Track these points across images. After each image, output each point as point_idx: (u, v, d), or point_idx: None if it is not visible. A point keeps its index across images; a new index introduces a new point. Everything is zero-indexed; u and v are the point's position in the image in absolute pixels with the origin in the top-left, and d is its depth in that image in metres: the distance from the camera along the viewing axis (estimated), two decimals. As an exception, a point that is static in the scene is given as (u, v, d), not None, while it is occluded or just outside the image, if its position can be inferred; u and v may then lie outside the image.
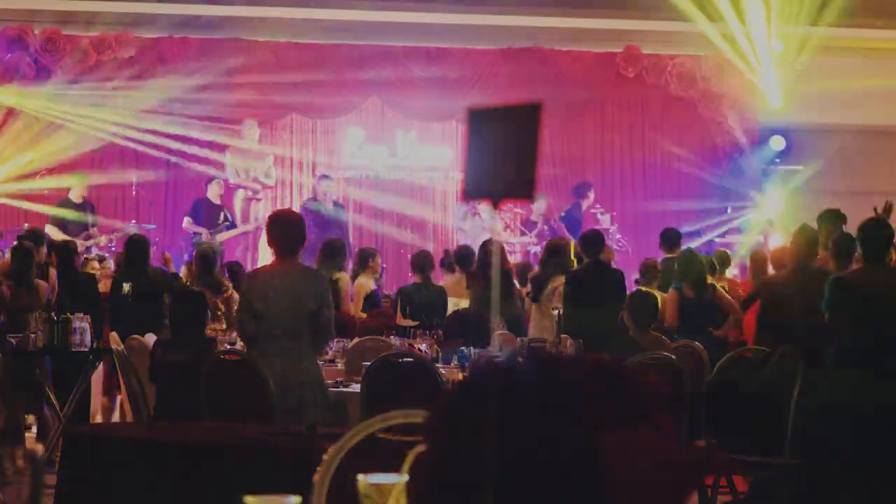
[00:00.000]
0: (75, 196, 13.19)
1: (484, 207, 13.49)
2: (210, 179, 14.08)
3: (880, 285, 6.56)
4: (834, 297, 6.56)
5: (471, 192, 2.07)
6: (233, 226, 13.91)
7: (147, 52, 14.82)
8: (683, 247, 10.56)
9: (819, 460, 6.26)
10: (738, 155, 15.71)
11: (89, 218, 13.12)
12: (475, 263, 10.37)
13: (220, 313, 9.27)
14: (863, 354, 6.39)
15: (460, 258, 10.88)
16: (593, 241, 9.63)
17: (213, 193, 13.88)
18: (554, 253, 9.85)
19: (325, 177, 14.29)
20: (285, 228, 6.58)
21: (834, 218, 8.46)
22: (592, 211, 14.67)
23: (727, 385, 6.62)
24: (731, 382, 6.60)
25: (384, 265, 13.98)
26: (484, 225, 13.78)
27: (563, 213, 14.33)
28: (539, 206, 14.16)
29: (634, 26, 15.02)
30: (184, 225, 13.73)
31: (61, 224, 12.88)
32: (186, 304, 7.34)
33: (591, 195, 14.69)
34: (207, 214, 13.69)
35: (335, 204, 13.96)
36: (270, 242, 6.61)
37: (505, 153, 2.00)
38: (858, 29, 15.43)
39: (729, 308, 9.24)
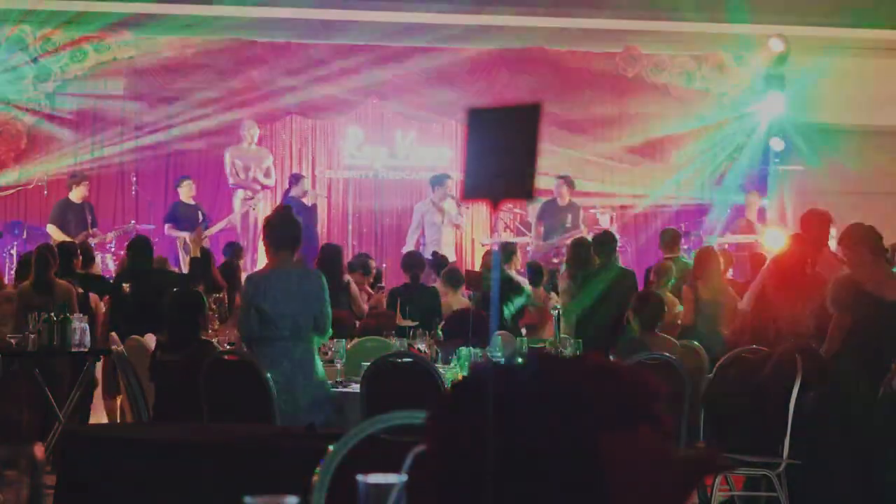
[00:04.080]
0: (75, 197, 13.18)
1: (449, 202, 13.36)
2: (179, 180, 13.86)
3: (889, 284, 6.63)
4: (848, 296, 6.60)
5: (470, 193, 2.07)
6: (209, 223, 13.69)
7: (148, 52, 14.82)
8: (684, 246, 10.54)
9: (819, 460, 6.27)
10: (738, 155, 15.71)
11: (89, 219, 13.12)
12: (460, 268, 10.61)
13: (212, 312, 9.27)
14: (871, 353, 6.43)
15: (438, 265, 10.76)
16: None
17: (186, 194, 13.69)
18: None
19: (301, 176, 14.05)
20: (283, 228, 6.59)
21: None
22: (592, 211, 14.64)
23: (727, 385, 6.61)
24: (732, 382, 6.60)
25: (384, 265, 13.97)
26: (455, 221, 13.63)
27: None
28: (536, 206, 14.08)
29: (634, 26, 15.01)
30: (165, 231, 13.52)
31: (62, 225, 12.88)
32: (184, 305, 7.32)
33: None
34: (185, 217, 13.49)
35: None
36: (267, 243, 6.68)
37: (505, 153, 1.99)
38: (859, 29, 15.42)
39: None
